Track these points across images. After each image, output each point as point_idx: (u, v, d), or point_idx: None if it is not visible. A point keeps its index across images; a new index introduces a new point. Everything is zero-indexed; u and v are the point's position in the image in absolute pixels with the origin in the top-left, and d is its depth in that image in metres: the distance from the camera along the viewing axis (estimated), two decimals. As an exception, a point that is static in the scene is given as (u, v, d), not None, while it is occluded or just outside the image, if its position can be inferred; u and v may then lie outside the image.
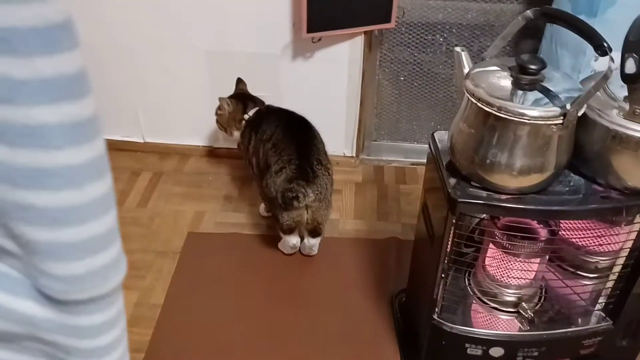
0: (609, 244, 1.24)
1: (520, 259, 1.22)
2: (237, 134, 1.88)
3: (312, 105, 2.02)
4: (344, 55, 1.93)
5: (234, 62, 1.97)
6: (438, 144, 1.21)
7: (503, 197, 1.07)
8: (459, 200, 1.06)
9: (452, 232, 1.15)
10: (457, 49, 1.15)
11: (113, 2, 1.87)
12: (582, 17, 1.55)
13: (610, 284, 1.26)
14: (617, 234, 1.22)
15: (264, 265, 1.74)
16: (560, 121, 0.97)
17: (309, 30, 1.77)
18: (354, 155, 2.17)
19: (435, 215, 1.23)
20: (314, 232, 1.70)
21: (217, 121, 1.91)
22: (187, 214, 1.92)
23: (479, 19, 1.91)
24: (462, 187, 1.09)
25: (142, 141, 2.20)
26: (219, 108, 1.87)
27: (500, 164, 1.03)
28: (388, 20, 1.82)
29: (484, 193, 1.08)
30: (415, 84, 2.08)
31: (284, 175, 1.60)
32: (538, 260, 1.24)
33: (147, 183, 2.06)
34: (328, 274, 1.73)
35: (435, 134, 1.24)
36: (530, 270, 1.25)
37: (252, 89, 2.00)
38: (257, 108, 1.86)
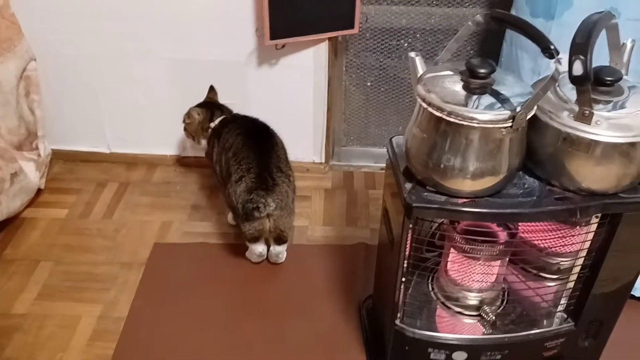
0: (569, 244, 1.25)
1: (480, 262, 1.22)
2: (204, 142, 1.87)
3: (279, 113, 2.02)
4: (309, 61, 1.92)
5: (199, 70, 1.96)
6: (395, 148, 1.21)
7: (458, 201, 1.07)
8: (414, 205, 1.06)
9: (410, 236, 1.15)
10: (412, 54, 1.15)
11: (74, 12, 1.85)
12: (539, 20, 1.58)
13: (570, 285, 1.27)
14: (575, 235, 1.23)
15: (231, 275, 1.72)
16: (510, 124, 0.97)
17: (272, 37, 1.76)
18: (323, 161, 2.16)
19: (394, 220, 1.22)
20: (279, 240, 1.69)
21: (185, 129, 1.90)
22: (153, 224, 1.89)
23: (442, 23, 1.92)
24: (417, 192, 1.08)
25: (108, 152, 2.17)
26: (188, 117, 1.86)
27: (454, 168, 1.03)
28: (352, 26, 1.83)
29: (439, 197, 1.07)
30: (382, 89, 2.08)
31: (243, 184, 1.59)
32: (499, 262, 1.25)
33: (112, 194, 2.03)
34: (296, 281, 1.72)
35: (393, 139, 1.23)
36: (491, 274, 1.25)
37: (220, 97, 1.99)
38: (223, 117, 1.86)
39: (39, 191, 1.98)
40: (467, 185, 1.05)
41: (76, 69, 1.98)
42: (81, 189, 2.04)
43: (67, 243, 1.81)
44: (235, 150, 1.67)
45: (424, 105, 1.02)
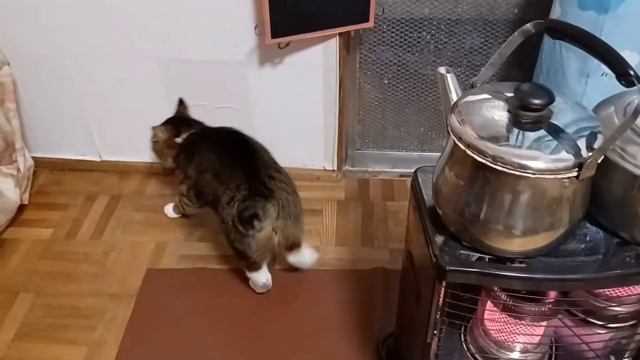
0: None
1: (525, 322, 1.01)
2: (170, 161, 1.70)
3: (284, 116, 1.81)
4: (317, 59, 1.69)
5: (192, 71, 1.73)
6: (421, 185, 0.99)
7: (503, 264, 0.85)
8: (448, 268, 0.84)
9: (441, 295, 0.94)
10: (441, 70, 0.92)
11: (50, 7, 1.63)
12: (590, 12, 1.32)
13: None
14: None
15: (233, 307, 1.53)
16: (575, 174, 0.75)
17: (274, 35, 1.53)
18: (335, 168, 1.94)
19: (421, 274, 1.01)
20: (293, 246, 1.49)
21: (152, 149, 1.73)
22: (147, 245, 1.70)
23: (470, 12, 1.66)
24: (451, 249, 0.87)
25: (99, 160, 1.97)
26: (153, 136, 1.68)
27: (498, 224, 0.81)
28: (366, 20, 1.58)
29: (479, 258, 0.86)
30: (401, 86, 1.84)
31: (236, 204, 1.41)
32: (546, 323, 1.03)
33: (103, 209, 1.83)
34: (306, 313, 1.52)
35: (418, 172, 1.01)
36: (536, 335, 1.03)
37: (217, 101, 1.78)
38: (190, 131, 1.66)
39: (22, 207, 1.80)
40: (516, 245, 0.83)
41: (57, 71, 1.76)
42: (68, 204, 1.85)
43: (49, 270, 1.63)
44: (216, 171, 1.49)
45: (461, 145, 0.80)
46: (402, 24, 1.70)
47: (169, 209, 1.79)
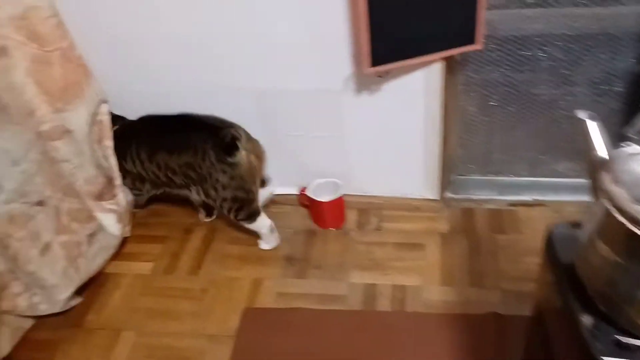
0: None
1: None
2: None
3: (382, 143, 1.72)
4: (418, 84, 1.57)
5: (286, 100, 1.67)
6: (558, 247, 0.86)
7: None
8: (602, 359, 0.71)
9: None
10: (581, 115, 0.79)
11: (152, 46, 1.63)
12: None
13: None
14: None
15: (334, 349, 1.44)
16: None
17: (374, 64, 1.43)
18: (437, 197, 1.81)
19: (559, 347, 0.87)
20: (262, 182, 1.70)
21: None
22: (243, 282, 1.66)
23: (591, 26, 1.49)
24: (604, 334, 0.73)
25: (194, 190, 1.96)
26: None
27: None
28: (472, 41, 1.45)
29: None
30: (510, 108, 1.68)
31: (210, 145, 1.54)
32: None
33: (200, 242, 1.82)
34: (411, 361, 1.41)
35: (554, 235, 0.88)
36: None
37: (312, 130, 1.73)
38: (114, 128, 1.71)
39: (124, 239, 1.82)
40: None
41: (152, 105, 1.76)
42: (167, 236, 1.85)
43: (150, 306, 1.62)
44: (169, 149, 1.63)
45: (619, 217, 0.66)
46: (512, 41, 1.55)
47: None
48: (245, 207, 1.63)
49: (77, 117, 1.59)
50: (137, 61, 1.68)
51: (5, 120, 1.41)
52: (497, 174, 1.84)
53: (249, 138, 1.60)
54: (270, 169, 1.81)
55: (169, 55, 1.65)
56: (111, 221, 1.72)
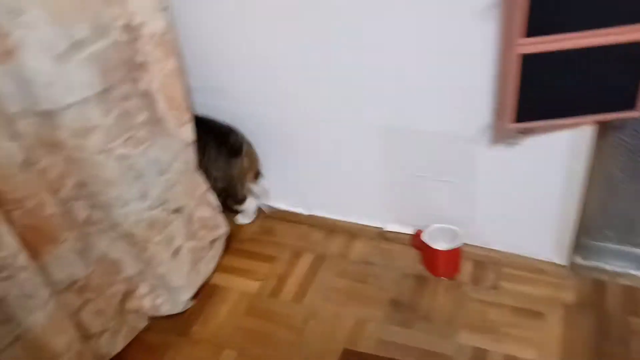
0: None
1: None
2: None
3: (512, 198, 1.63)
4: (562, 144, 1.45)
5: (413, 139, 1.61)
6: None
7: None
8: None
9: None
10: None
11: (297, 80, 1.65)
12: None
13: None
14: None
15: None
16: None
17: (518, 120, 1.32)
18: (565, 262, 1.66)
19: None
20: (257, 175, 1.89)
21: None
22: (346, 320, 1.62)
23: None
24: None
25: (307, 213, 1.96)
26: None
27: None
28: (631, 107, 1.29)
29: None
30: (666, 178, 1.50)
31: (220, 149, 1.77)
32: None
33: (307, 268, 1.81)
34: None
35: None
36: None
37: (438, 174, 1.65)
38: None
39: (233, 253, 1.86)
40: None
41: (278, 128, 1.79)
42: (276, 257, 1.86)
43: (252, 328, 1.64)
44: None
45: None
46: (681, 109, 1.37)
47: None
48: (231, 197, 1.89)
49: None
50: (269, 86, 1.70)
51: (158, 131, 1.47)
52: (638, 245, 1.65)
53: (249, 145, 1.83)
54: (386, 204, 1.79)
55: (298, 87, 1.65)
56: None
